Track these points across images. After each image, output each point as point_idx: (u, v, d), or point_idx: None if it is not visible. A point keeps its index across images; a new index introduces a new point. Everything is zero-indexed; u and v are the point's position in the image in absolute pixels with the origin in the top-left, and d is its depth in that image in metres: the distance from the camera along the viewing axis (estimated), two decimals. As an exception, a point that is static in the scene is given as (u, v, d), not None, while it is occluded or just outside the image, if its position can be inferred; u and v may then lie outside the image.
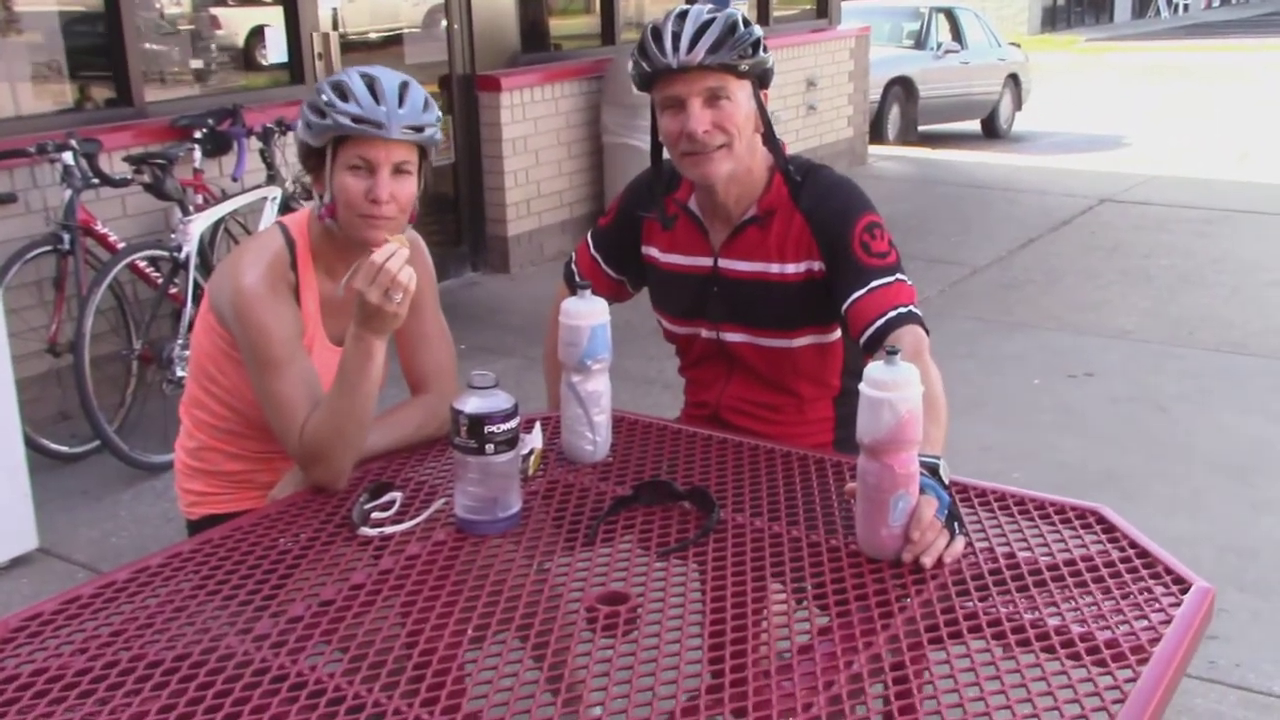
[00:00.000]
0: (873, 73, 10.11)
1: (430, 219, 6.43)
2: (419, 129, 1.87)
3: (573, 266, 2.38)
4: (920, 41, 11.85)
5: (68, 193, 4.17)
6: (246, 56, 5.77)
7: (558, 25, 7.54)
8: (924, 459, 1.59)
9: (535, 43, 7.06)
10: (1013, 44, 13.51)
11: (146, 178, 4.41)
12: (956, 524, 1.61)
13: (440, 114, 1.93)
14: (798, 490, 1.85)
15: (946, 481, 1.64)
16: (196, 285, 4.25)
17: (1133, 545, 1.66)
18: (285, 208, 4.83)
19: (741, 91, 2.00)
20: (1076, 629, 1.44)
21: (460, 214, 6.66)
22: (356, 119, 1.83)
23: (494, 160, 6.59)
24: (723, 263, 2.15)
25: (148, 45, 5.18)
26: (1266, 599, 3.25)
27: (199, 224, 4.40)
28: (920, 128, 11.45)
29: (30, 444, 3.77)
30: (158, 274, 4.35)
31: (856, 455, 1.60)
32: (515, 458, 1.73)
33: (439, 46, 6.49)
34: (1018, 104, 12.68)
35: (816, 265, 2.07)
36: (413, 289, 1.78)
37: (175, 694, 1.33)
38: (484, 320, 5.84)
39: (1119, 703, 1.29)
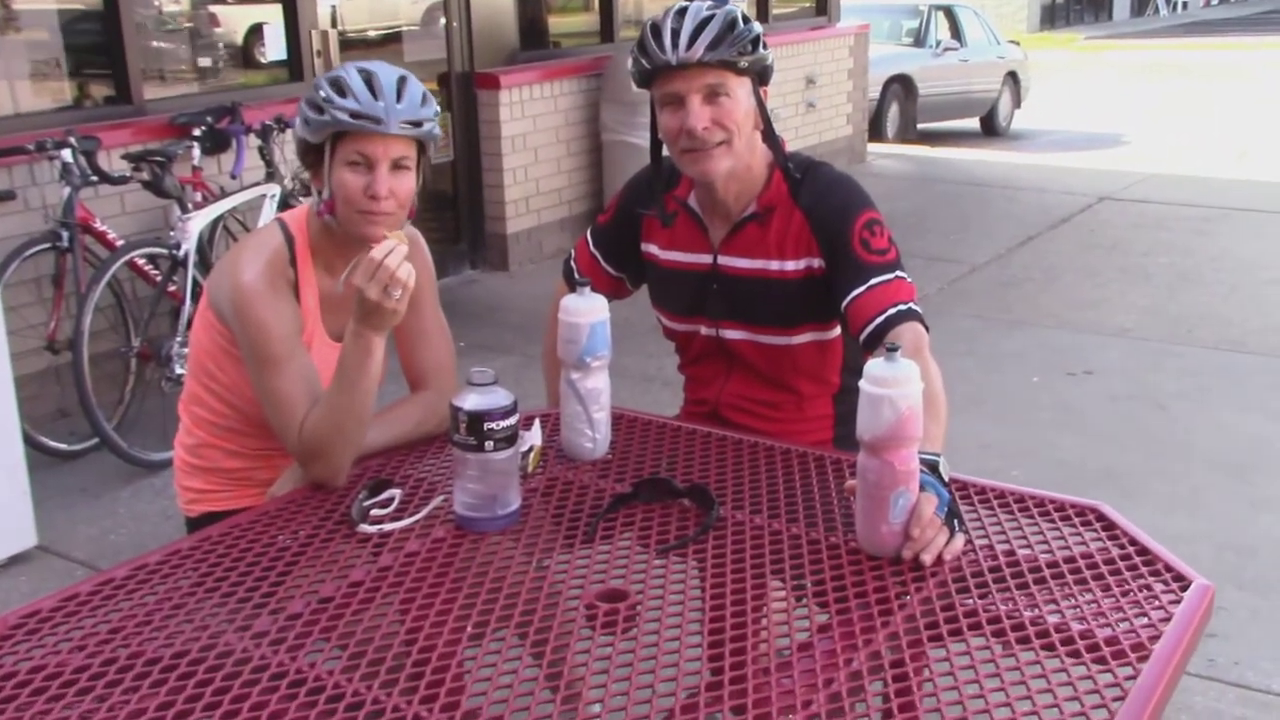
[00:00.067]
0: (872, 70, 10.11)
1: (429, 216, 6.43)
2: (417, 124, 1.86)
3: (572, 264, 2.37)
4: (919, 39, 11.85)
5: (66, 190, 4.16)
6: (245, 54, 5.76)
7: (557, 23, 7.54)
8: (924, 456, 1.59)
9: (534, 40, 7.06)
10: (1012, 42, 13.51)
11: (145, 175, 4.41)
12: (956, 521, 1.61)
13: (438, 109, 1.93)
14: (797, 487, 1.84)
15: (946, 479, 1.64)
16: (195, 282, 4.24)
17: (1132, 542, 1.66)
18: (284, 205, 4.82)
19: (741, 88, 1.99)
20: (1076, 626, 1.44)
21: (459, 212, 6.66)
22: (354, 114, 1.82)
23: (493, 158, 6.59)
24: (722, 260, 2.14)
25: (147, 43, 5.18)
26: (1265, 597, 3.25)
27: (198, 221, 4.40)
28: (919, 125, 11.46)
29: (29, 441, 3.77)
30: (156, 271, 4.34)
31: (856, 452, 1.59)
32: (514, 455, 1.73)
33: (438, 44, 6.49)
34: (1017, 102, 12.68)
35: (816, 262, 2.07)
36: (412, 285, 1.78)
37: (174, 691, 1.33)
38: (483, 318, 5.84)
39: (1119, 700, 1.29)
